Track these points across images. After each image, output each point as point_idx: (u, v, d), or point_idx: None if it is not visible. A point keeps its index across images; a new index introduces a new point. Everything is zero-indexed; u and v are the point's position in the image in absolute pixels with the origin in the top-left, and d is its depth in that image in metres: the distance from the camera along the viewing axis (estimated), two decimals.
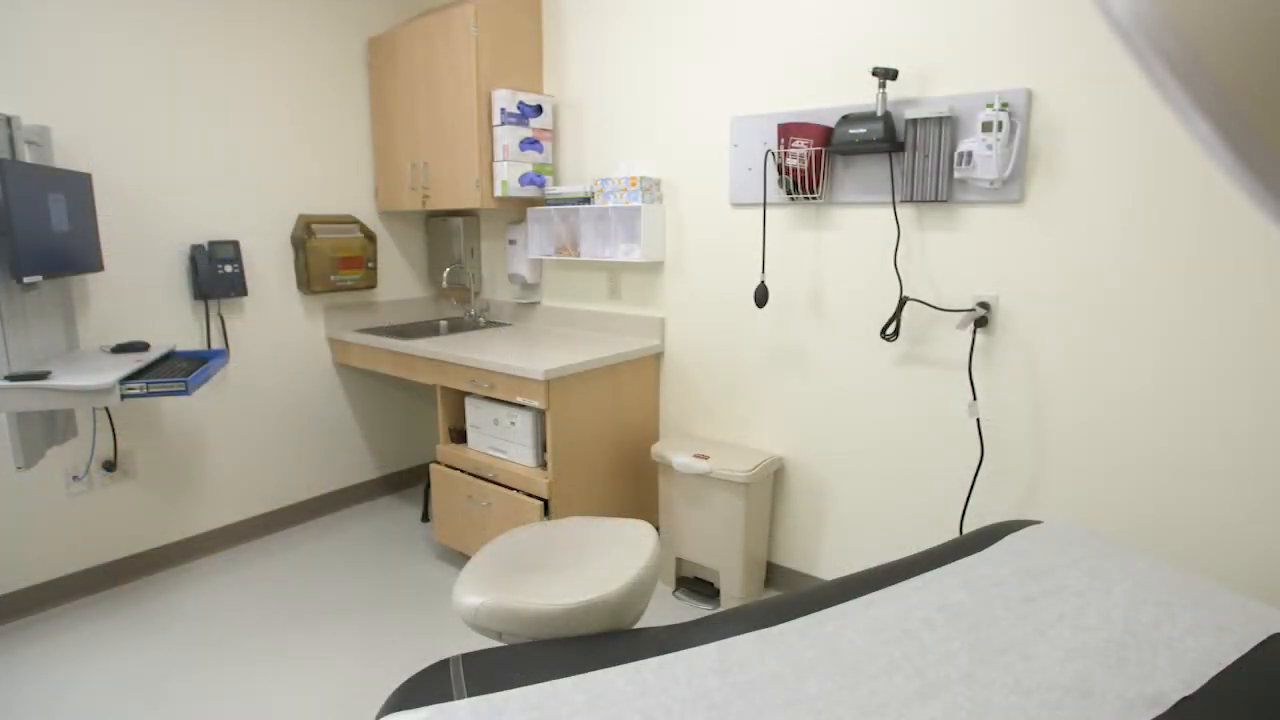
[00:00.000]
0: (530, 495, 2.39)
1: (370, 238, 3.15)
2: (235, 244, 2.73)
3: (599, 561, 1.56)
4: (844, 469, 2.32)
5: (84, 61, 2.34)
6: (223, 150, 2.71)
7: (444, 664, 1.22)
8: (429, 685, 1.17)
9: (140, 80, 2.48)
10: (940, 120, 1.92)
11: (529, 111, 2.79)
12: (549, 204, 2.87)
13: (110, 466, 2.51)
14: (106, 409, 2.48)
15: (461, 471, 2.62)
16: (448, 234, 3.36)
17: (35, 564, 2.40)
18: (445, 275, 3.18)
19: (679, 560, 2.52)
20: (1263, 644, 1.11)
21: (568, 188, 2.80)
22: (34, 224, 1.91)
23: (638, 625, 1.65)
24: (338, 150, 3.07)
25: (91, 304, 2.42)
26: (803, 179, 2.15)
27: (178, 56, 2.56)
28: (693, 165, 2.54)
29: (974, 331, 2.00)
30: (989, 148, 1.83)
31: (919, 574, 1.40)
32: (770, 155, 2.27)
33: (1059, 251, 1.85)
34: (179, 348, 2.57)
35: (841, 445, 2.31)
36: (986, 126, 1.82)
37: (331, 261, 2.99)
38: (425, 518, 3.15)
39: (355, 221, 3.12)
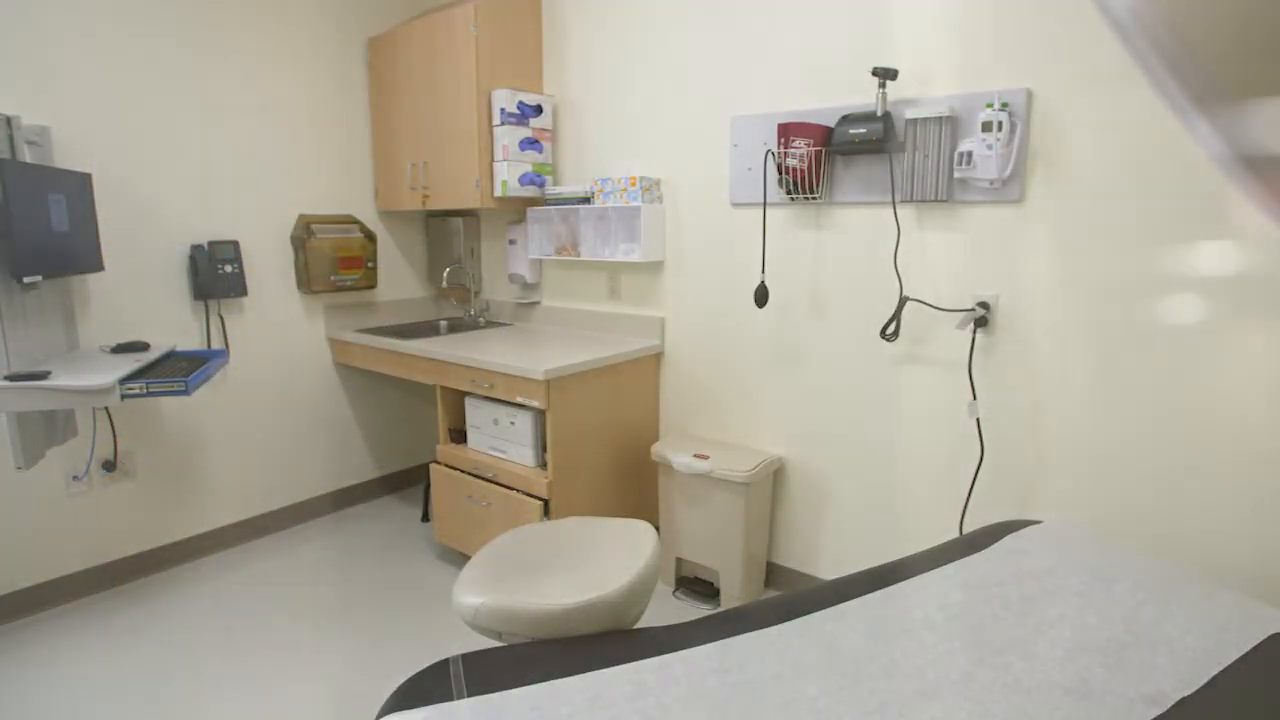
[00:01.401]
0: (530, 495, 2.39)
1: (370, 238, 3.15)
2: (235, 244, 2.73)
3: (599, 561, 1.56)
4: (844, 469, 2.32)
5: (84, 61, 2.34)
6: (223, 150, 2.71)
7: (444, 664, 1.22)
8: (429, 685, 1.17)
9: (140, 80, 2.48)
10: (940, 120, 1.92)
11: (529, 111, 2.79)
12: (549, 204, 2.87)
13: (110, 466, 2.51)
14: (106, 409, 2.48)
15: (461, 471, 2.62)
16: (448, 234, 3.36)
17: (35, 564, 2.40)
18: (445, 275, 3.18)
19: (679, 560, 2.51)
20: (1263, 644, 1.11)
21: (568, 188, 2.80)
22: (34, 224, 1.91)
23: (638, 625, 1.65)
24: (338, 150, 3.07)
25: (91, 304, 2.42)
26: (803, 179, 2.15)
27: (178, 56, 2.56)
28: (693, 165, 2.54)
29: (974, 331, 1.99)
30: (989, 148, 1.83)
31: (919, 574, 1.40)
32: (770, 155, 2.27)
33: (1059, 251, 1.85)
34: (179, 348, 2.57)
35: (841, 445, 2.31)
36: (986, 126, 1.82)
37: (331, 261, 2.99)
38: (425, 518, 3.15)
39: (355, 221, 3.12)
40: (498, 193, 2.78)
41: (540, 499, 2.36)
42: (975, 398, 2.02)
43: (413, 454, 3.55)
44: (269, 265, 2.88)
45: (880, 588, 1.36)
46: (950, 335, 2.05)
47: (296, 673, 2.10)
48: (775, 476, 2.47)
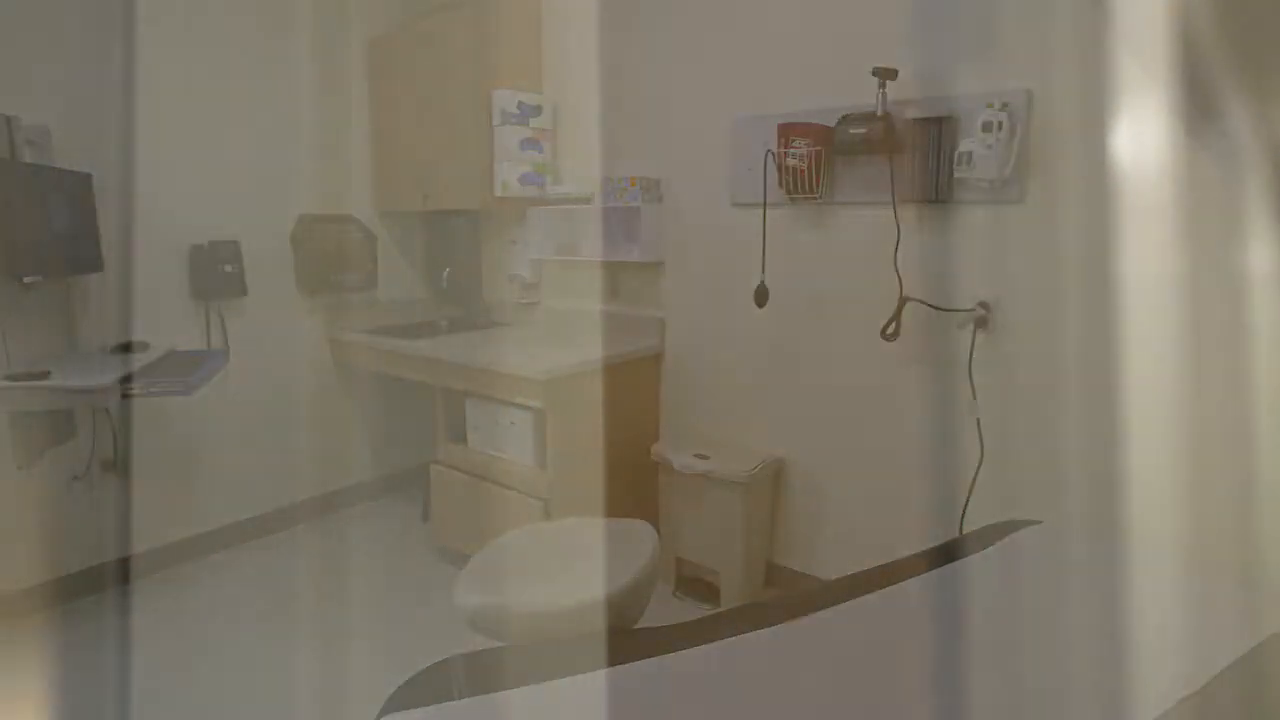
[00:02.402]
0: (530, 495, 2.39)
1: (370, 238, 3.15)
2: (235, 244, 2.72)
3: (599, 561, 1.56)
4: (844, 469, 2.32)
5: (84, 62, 2.34)
6: (223, 150, 2.71)
7: (444, 664, 1.23)
8: (429, 685, 1.17)
9: (141, 80, 2.47)
10: (940, 120, 1.92)
11: (529, 111, 2.79)
12: (549, 204, 2.87)
13: (110, 466, 2.51)
14: (106, 409, 2.48)
15: (461, 471, 2.62)
16: (448, 234, 3.35)
17: (35, 564, 2.39)
18: (445, 275, 3.18)
19: (679, 560, 2.51)
20: (1263, 644, 1.11)
21: (568, 188, 2.80)
22: (34, 224, 1.91)
23: (638, 625, 1.65)
24: (338, 150, 3.07)
25: (91, 304, 2.42)
26: (803, 179, 2.15)
27: (178, 57, 2.56)
28: (693, 165, 2.54)
29: (974, 331, 1.99)
30: (989, 148, 1.83)
31: (919, 574, 1.39)
32: (770, 155, 2.26)
33: (1059, 251, 1.84)
34: (179, 348, 2.57)
35: (841, 445, 2.31)
36: (986, 126, 1.82)
37: (331, 261, 2.99)
38: (425, 518, 3.15)
39: (355, 221, 3.12)
40: (498, 193, 2.78)
41: (540, 499, 2.36)
42: (975, 398, 2.02)
43: (413, 454, 3.54)
44: (269, 265, 2.88)
45: (880, 588, 1.36)
46: (950, 335, 2.04)
47: (296, 673, 2.10)
48: (775, 476, 2.47)
